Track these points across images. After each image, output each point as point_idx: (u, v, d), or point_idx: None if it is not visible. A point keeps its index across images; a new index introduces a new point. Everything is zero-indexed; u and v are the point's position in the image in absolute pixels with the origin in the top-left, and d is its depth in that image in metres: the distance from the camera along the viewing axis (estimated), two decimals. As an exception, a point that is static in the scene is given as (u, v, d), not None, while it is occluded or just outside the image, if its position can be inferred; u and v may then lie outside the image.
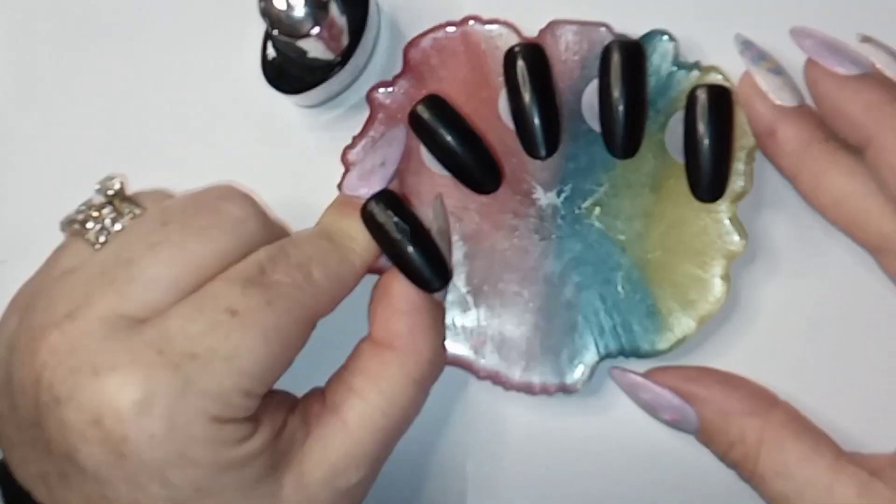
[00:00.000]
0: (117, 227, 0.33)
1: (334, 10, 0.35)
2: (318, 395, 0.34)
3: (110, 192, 0.33)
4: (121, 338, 0.30)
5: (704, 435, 0.34)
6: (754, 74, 0.34)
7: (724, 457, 0.34)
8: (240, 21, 0.38)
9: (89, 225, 0.33)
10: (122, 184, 0.34)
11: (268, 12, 0.34)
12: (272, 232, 0.33)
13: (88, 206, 0.34)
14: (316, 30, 0.34)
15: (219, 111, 0.40)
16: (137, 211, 0.33)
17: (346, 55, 0.37)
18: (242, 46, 0.38)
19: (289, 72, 0.37)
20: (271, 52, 0.37)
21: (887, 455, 0.33)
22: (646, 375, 0.35)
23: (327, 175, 0.37)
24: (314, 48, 0.35)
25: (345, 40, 0.36)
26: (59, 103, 0.41)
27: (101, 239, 0.33)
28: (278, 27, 0.34)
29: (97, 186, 0.34)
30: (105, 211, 0.33)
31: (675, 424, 0.35)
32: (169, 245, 0.31)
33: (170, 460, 0.29)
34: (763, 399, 0.35)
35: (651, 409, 0.35)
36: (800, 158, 0.34)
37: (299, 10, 0.34)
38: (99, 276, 0.31)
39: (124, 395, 0.29)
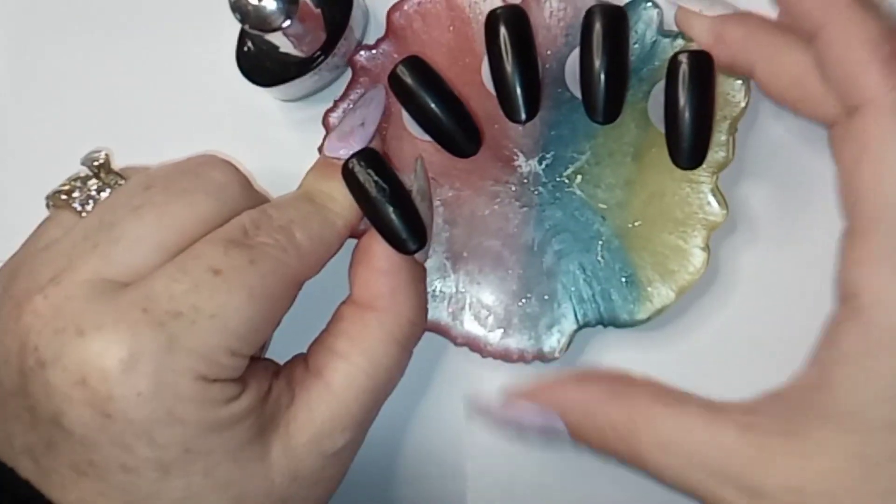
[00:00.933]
0: (103, 195, 0.33)
1: (309, 5, 0.34)
2: (301, 360, 0.34)
3: (96, 164, 0.33)
4: (105, 299, 0.29)
5: (576, 435, 0.33)
6: (684, 4, 0.35)
7: (603, 447, 0.33)
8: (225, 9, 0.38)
9: (75, 195, 0.33)
10: (107, 156, 0.34)
11: (238, 6, 0.34)
12: (254, 198, 0.33)
13: (74, 178, 0.34)
14: (287, 23, 0.34)
15: (202, 99, 0.40)
16: (122, 182, 0.33)
17: (325, 50, 0.36)
18: (226, 36, 0.38)
19: (263, 64, 0.37)
20: (249, 44, 0.37)
21: (755, 398, 0.33)
22: (501, 402, 0.35)
23: (310, 147, 0.37)
24: (285, 43, 0.35)
25: (322, 36, 0.36)
26: (42, 98, 0.41)
27: (88, 207, 0.33)
28: (248, 21, 0.34)
29: (82, 159, 0.34)
30: (91, 183, 0.33)
31: (547, 436, 0.34)
32: (151, 207, 0.31)
33: (157, 419, 0.29)
34: (619, 381, 0.34)
35: (518, 429, 0.34)
36: (751, 49, 0.34)
37: (270, 4, 0.34)
38: (82, 240, 0.31)
39: (110, 353, 0.29)
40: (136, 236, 0.31)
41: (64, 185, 0.33)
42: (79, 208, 0.33)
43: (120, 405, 0.29)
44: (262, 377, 0.32)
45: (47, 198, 0.34)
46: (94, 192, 0.33)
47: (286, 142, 0.39)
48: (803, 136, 0.37)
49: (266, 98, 0.39)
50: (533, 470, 0.38)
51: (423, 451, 0.38)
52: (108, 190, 0.33)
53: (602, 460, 0.33)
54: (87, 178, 0.33)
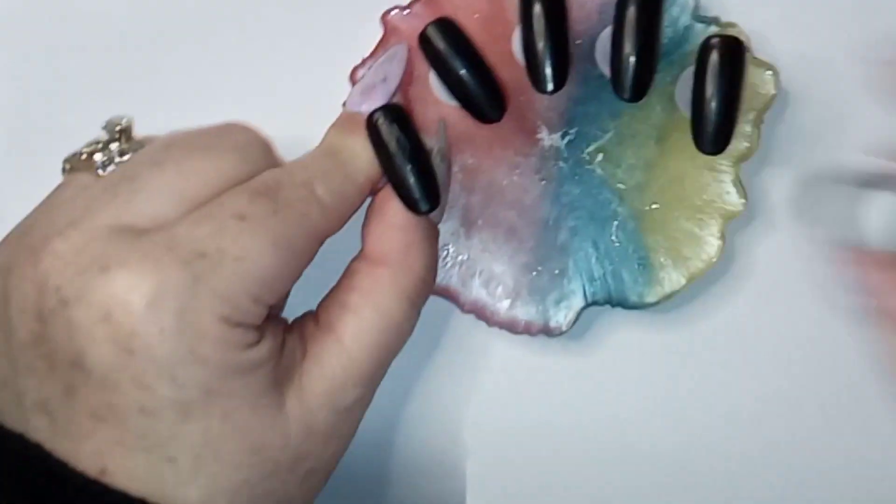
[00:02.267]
0: (125, 158, 0.33)
1: None
2: (312, 316, 0.34)
3: (118, 129, 0.34)
4: (128, 240, 0.29)
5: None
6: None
7: None
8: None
9: (96, 157, 0.33)
10: (129, 122, 0.34)
11: None
12: (275, 161, 0.33)
13: (95, 142, 0.34)
14: None
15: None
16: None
17: None
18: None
19: None
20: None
21: None
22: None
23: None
24: None
25: None
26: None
27: (109, 168, 0.33)
28: None
29: (104, 124, 0.34)
30: (112, 146, 0.33)
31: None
32: (172, 162, 0.31)
33: (179, 357, 0.29)
34: None
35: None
36: None
37: None
38: (102, 192, 0.31)
39: (135, 289, 0.28)
40: (157, 186, 0.31)
41: (84, 147, 0.33)
42: (100, 172, 0.33)
43: (143, 341, 0.28)
44: (277, 330, 0.32)
45: (65, 160, 0.33)
46: (115, 156, 0.33)
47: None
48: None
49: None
50: (533, 469, 0.38)
51: (424, 450, 0.38)
52: (129, 155, 0.33)
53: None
54: (109, 141, 0.33)
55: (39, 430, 0.30)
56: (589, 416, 0.38)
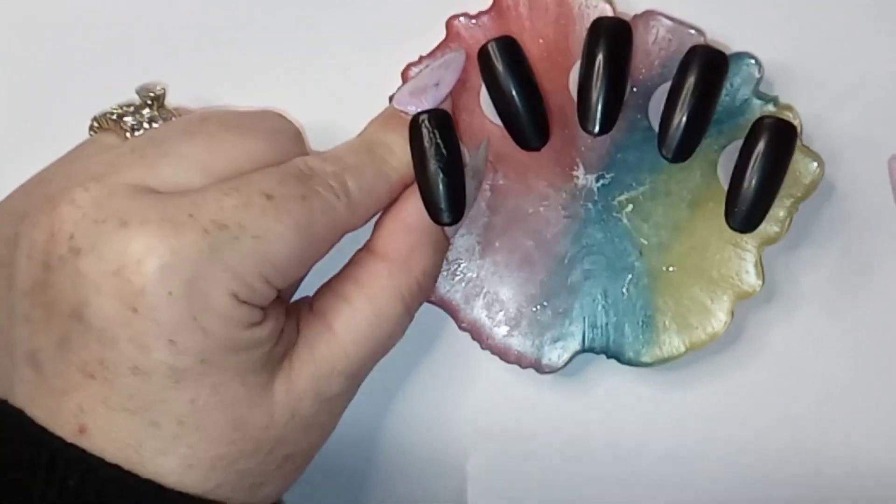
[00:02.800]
0: (154, 126, 0.33)
1: None
2: (307, 301, 0.34)
3: (151, 95, 0.33)
4: (151, 199, 0.29)
5: None
6: None
7: None
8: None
9: (126, 119, 0.33)
10: (163, 90, 0.34)
11: None
12: (305, 152, 0.33)
13: (127, 104, 0.34)
14: None
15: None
16: (175, 119, 0.33)
17: None
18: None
19: None
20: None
21: None
22: None
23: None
24: None
25: None
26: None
27: (138, 132, 0.33)
28: None
29: (137, 88, 0.33)
30: (144, 111, 0.33)
31: None
32: (204, 134, 0.31)
33: (181, 322, 0.29)
34: None
35: None
36: None
37: None
38: (129, 152, 0.31)
39: (151, 248, 0.28)
40: (184, 153, 0.31)
41: (115, 108, 0.33)
42: (129, 134, 0.33)
43: (149, 301, 0.28)
44: (280, 313, 0.32)
45: (94, 119, 0.33)
46: (146, 121, 0.33)
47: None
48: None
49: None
50: (533, 469, 0.38)
51: (424, 449, 0.38)
52: (158, 123, 0.33)
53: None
54: (141, 106, 0.33)
55: (24, 382, 0.30)
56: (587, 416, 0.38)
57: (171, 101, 0.34)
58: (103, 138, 0.33)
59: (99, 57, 0.39)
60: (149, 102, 0.33)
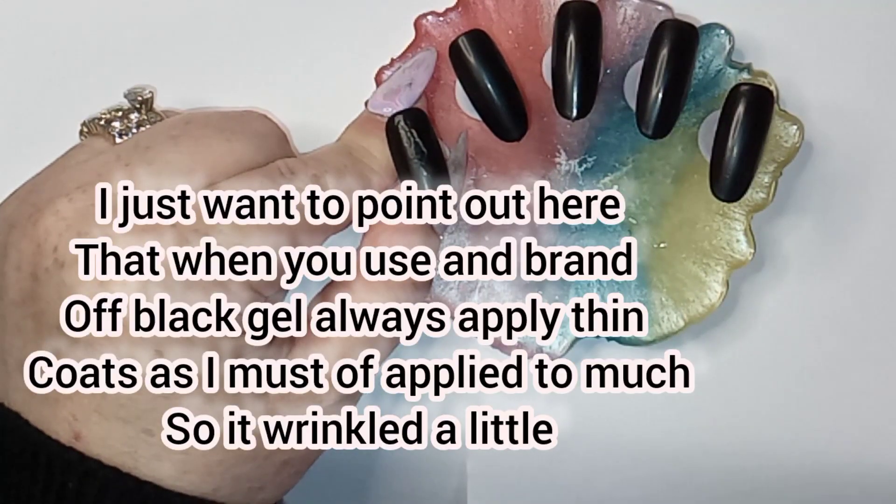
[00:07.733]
0: (142, 130, 0.33)
1: None
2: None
3: (139, 99, 0.33)
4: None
5: None
6: None
7: None
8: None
9: (115, 124, 0.33)
10: (152, 93, 0.34)
11: None
12: (290, 153, 0.33)
13: (115, 109, 0.33)
14: None
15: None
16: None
17: None
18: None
19: None
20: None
21: None
22: None
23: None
24: None
25: None
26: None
27: (125, 137, 0.33)
28: None
29: (126, 92, 0.33)
30: (132, 116, 0.33)
31: None
32: (189, 138, 0.31)
33: (168, 333, 0.29)
34: None
35: None
36: None
37: None
38: (115, 159, 0.31)
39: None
40: (168, 159, 0.31)
41: (103, 113, 0.33)
42: (117, 139, 0.33)
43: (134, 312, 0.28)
44: None
45: (83, 124, 0.33)
46: (133, 126, 0.33)
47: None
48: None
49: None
50: (533, 468, 0.38)
51: (424, 448, 0.38)
52: (147, 126, 0.33)
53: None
54: (129, 111, 0.33)
55: (19, 390, 0.30)
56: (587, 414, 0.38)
57: (159, 104, 0.34)
58: (93, 143, 0.33)
59: (88, 59, 0.39)
60: (137, 106, 0.33)
